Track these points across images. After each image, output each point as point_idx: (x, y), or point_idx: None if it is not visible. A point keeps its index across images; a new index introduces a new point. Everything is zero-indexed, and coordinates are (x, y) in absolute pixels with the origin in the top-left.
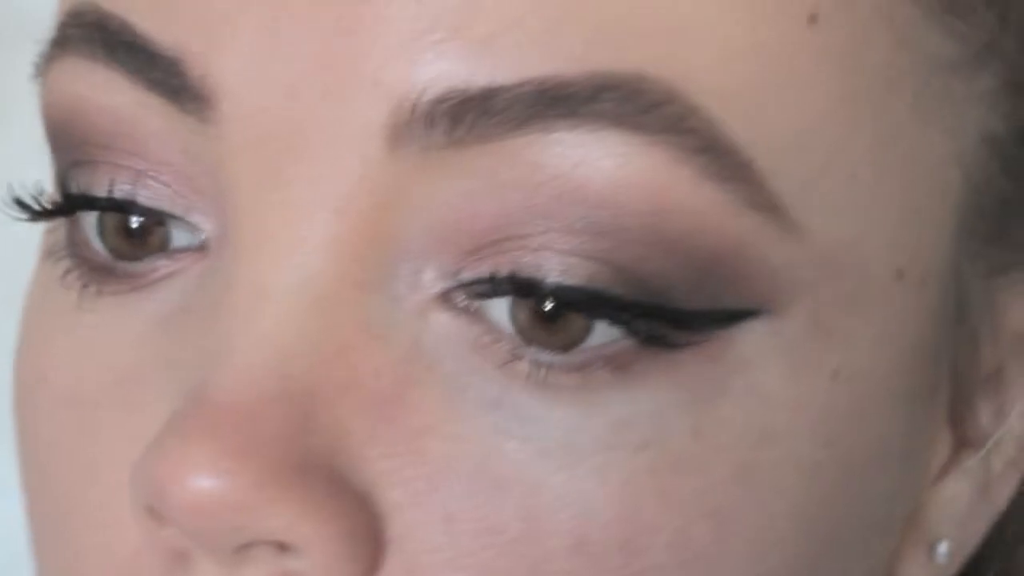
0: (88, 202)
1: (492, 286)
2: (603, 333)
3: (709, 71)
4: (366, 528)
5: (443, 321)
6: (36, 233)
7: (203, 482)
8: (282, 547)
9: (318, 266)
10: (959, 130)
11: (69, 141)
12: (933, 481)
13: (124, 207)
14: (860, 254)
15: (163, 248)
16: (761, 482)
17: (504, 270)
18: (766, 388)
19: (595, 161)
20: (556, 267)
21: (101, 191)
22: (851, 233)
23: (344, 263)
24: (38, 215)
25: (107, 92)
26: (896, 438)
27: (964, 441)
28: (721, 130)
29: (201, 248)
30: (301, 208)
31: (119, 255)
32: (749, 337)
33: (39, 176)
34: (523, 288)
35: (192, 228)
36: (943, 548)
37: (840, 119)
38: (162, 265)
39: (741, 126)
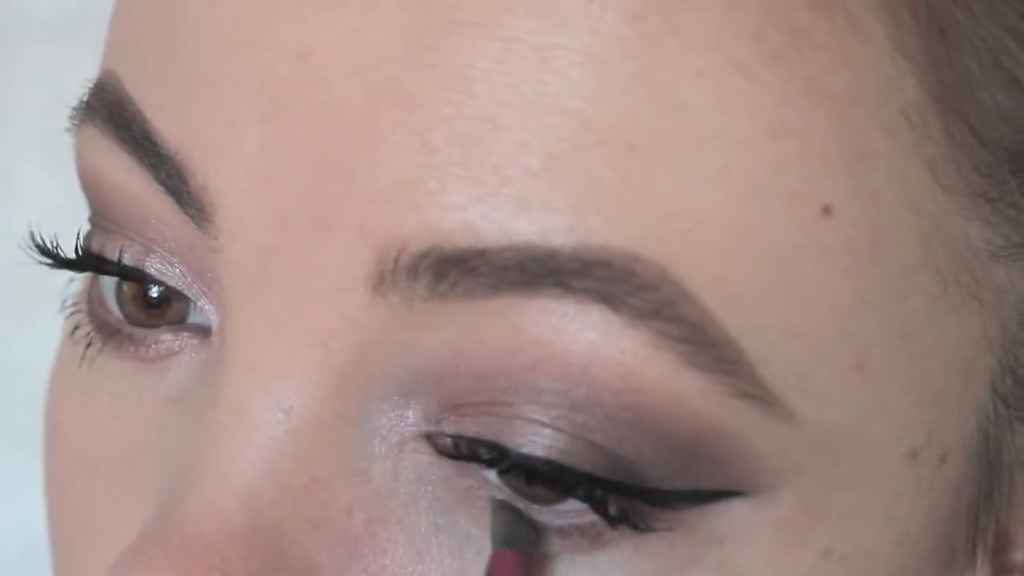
0: (99, 264)
1: (458, 448)
2: (575, 502)
3: (707, 259)
4: None
5: (424, 461)
6: (37, 230)
7: None
8: None
9: (296, 398)
10: (997, 311)
11: (90, 202)
12: None
13: (132, 275)
14: (863, 439)
15: (181, 320)
16: None
17: (475, 433)
18: (742, 565)
19: (576, 333)
20: (528, 437)
21: (112, 256)
22: (853, 419)
23: (325, 396)
24: (54, 263)
25: (122, 173)
26: None
27: (1006, 571)
28: (711, 320)
29: (208, 333)
30: (286, 338)
31: (133, 321)
32: (727, 513)
33: (37, 176)
34: (489, 458)
35: (202, 312)
36: None
37: (850, 313)
38: (167, 340)
39: (736, 316)
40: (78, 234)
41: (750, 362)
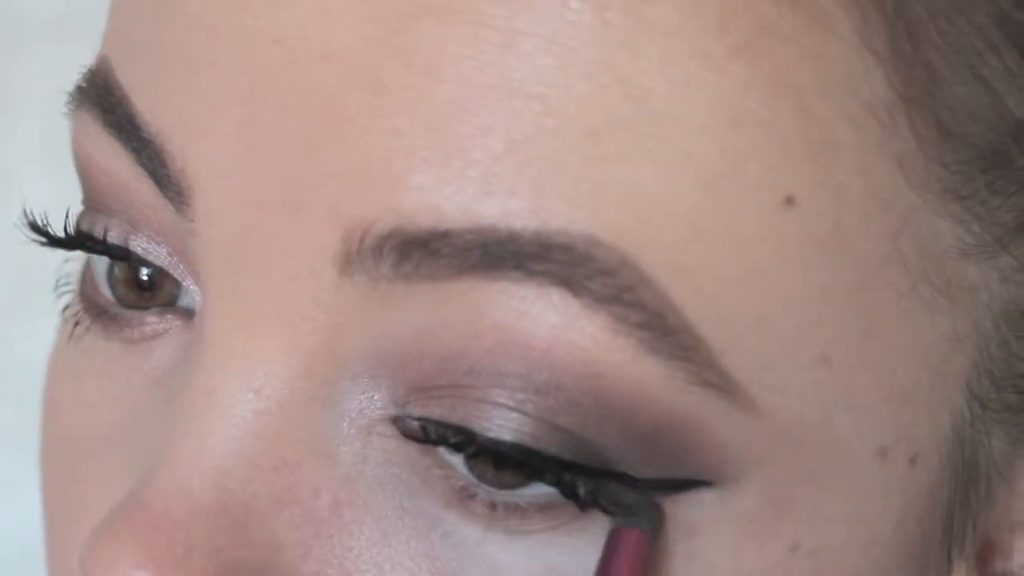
0: (87, 242)
1: (425, 432)
2: (541, 486)
3: (668, 245)
4: None
5: (391, 444)
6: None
7: None
8: None
9: (265, 378)
10: (970, 310)
11: (82, 184)
12: None
13: (118, 253)
14: (828, 433)
15: (171, 303)
16: None
17: (440, 416)
18: (711, 557)
19: (537, 316)
20: (494, 421)
21: (99, 234)
22: (817, 413)
23: (295, 377)
24: (47, 242)
25: (109, 156)
26: None
27: None
28: (671, 306)
29: (192, 315)
30: (258, 319)
31: (124, 303)
32: (695, 504)
33: (37, 176)
34: (456, 442)
35: (188, 294)
36: None
37: (812, 304)
38: (152, 322)
39: (696, 303)
40: (67, 213)
41: (710, 350)
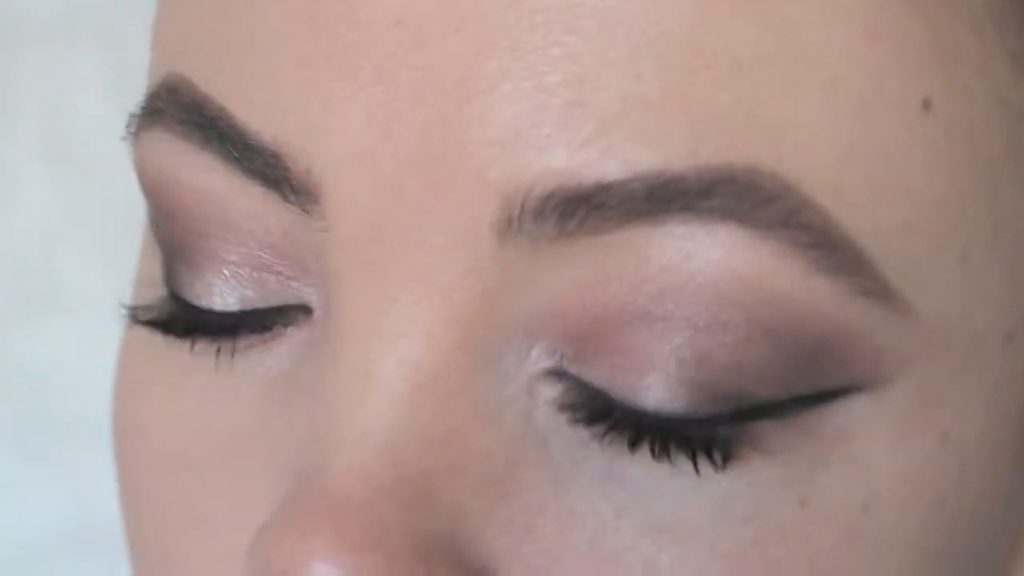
0: (194, 327)
1: (583, 399)
2: None
3: (823, 167)
4: None
5: (553, 396)
6: (37, 230)
7: (329, 573)
8: None
9: (422, 352)
10: None
11: (159, 208)
12: None
13: (230, 327)
14: (970, 326)
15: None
16: (869, 546)
17: (599, 381)
18: (869, 458)
19: (704, 253)
20: (656, 393)
21: (204, 303)
22: (961, 308)
23: (450, 348)
24: (145, 324)
25: (199, 172)
26: (1002, 495)
27: None
28: (834, 223)
29: (308, 315)
30: (407, 298)
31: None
32: (849, 410)
33: (37, 176)
34: (621, 414)
35: (299, 297)
36: None
37: (953, 204)
38: (260, 331)
39: (853, 217)
40: (169, 287)
41: (871, 260)
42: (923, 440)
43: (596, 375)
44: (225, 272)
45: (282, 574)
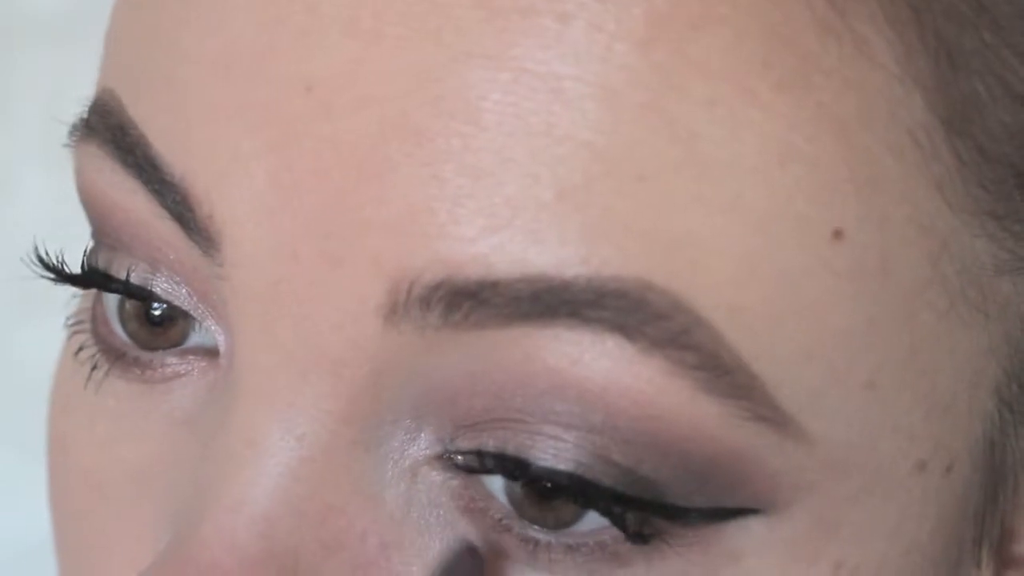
0: (104, 281)
1: (481, 462)
2: (594, 520)
3: (720, 286)
4: None
5: (436, 482)
6: (37, 230)
7: None
8: None
9: (309, 426)
10: (1003, 323)
11: (92, 218)
12: None
13: (138, 294)
14: (873, 454)
15: (180, 342)
16: None
17: (495, 447)
18: None
19: (592, 362)
20: (548, 451)
21: (119, 274)
22: (864, 436)
23: (337, 423)
24: (57, 278)
25: (125, 193)
26: None
27: (1010, 564)
28: (726, 346)
29: (214, 354)
30: (297, 366)
31: (137, 341)
32: (745, 529)
33: (37, 176)
34: (512, 469)
35: (207, 332)
36: None
37: (860, 334)
38: (173, 363)
39: (749, 341)
40: (86, 250)
41: (764, 386)
42: (816, 567)
43: (493, 444)
44: (152, 290)
45: None
